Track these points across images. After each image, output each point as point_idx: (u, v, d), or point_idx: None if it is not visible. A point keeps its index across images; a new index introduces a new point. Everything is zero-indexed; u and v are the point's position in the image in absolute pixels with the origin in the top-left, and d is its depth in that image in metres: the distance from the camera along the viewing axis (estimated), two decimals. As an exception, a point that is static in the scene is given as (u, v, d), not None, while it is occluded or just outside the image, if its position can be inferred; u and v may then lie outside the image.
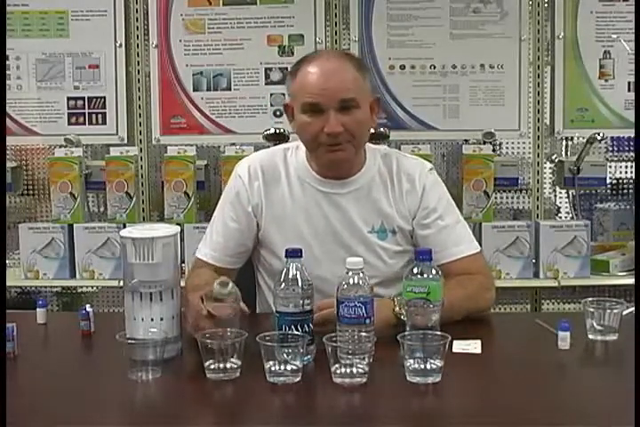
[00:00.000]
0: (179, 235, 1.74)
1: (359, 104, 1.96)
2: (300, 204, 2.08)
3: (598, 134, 3.16)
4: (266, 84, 3.20)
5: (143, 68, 3.23)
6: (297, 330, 1.65)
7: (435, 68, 3.20)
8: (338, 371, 1.54)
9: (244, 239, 2.11)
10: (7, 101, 3.20)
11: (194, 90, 3.24)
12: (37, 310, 2.00)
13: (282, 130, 3.08)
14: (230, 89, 3.21)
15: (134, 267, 1.68)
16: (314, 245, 2.05)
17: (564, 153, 3.46)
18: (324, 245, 2.06)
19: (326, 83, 1.94)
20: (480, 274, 2.07)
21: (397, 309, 1.81)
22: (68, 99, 3.26)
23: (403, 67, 3.20)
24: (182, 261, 2.59)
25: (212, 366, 1.59)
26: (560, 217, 3.50)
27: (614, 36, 3.18)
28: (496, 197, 3.34)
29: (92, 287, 3.47)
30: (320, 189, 2.08)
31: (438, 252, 1.98)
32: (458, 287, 1.94)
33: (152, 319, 1.68)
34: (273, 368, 1.56)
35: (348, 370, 1.54)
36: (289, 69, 2.03)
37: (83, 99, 3.26)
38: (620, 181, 3.49)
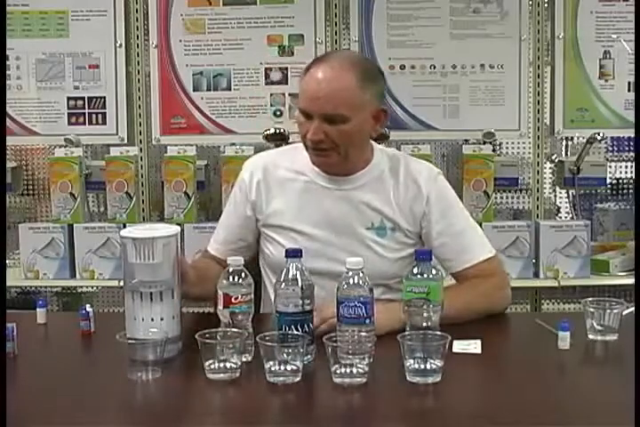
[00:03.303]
0: (179, 235, 1.75)
1: (348, 119, 1.98)
2: (301, 199, 2.12)
3: (598, 134, 3.16)
4: (266, 84, 3.19)
5: (143, 68, 3.23)
6: (297, 330, 1.65)
7: (435, 68, 3.20)
8: (338, 371, 1.54)
9: (242, 233, 2.19)
10: (7, 101, 3.19)
11: (194, 90, 3.23)
12: (37, 310, 2.00)
13: (282, 130, 3.08)
14: (230, 89, 3.21)
15: (134, 267, 1.68)
16: (313, 240, 2.06)
17: (564, 153, 3.45)
18: (321, 241, 2.07)
19: (318, 93, 1.97)
20: (494, 276, 2.09)
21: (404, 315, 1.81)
22: (68, 99, 3.26)
23: (403, 67, 3.20)
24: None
25: (212, 366, 1.59)
26: (560, 217, 3.50)
27: (614, 36, 3.18)
28: (496, 197, 3.34)
29: (92, 287, 3.46)
30: (323, 185, 2.12)
31: (452, 260, 2.07)
32: (470, 288, 2.01)
33: (152, 319, 1.69)
34: (273, 368, 1.56)
35: (348, 370, 1.54)
36: (306, 65, 2.07)
37: (83, 99, 3.26)
38: (620, 181, 3.49)
